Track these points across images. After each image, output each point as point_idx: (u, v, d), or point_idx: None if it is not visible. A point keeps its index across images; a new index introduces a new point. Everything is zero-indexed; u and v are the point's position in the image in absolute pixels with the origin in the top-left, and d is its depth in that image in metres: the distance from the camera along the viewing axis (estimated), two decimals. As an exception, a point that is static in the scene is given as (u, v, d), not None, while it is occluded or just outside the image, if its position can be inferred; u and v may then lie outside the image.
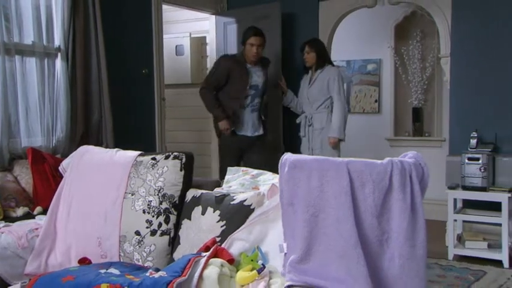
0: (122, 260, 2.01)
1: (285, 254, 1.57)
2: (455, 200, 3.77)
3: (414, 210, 1.43)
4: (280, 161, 1.58)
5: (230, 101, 3.78)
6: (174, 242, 2.03)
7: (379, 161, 1.48)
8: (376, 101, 5.32)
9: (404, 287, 1.41)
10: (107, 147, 3.59)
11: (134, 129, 4.10)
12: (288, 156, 1.57)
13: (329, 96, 3.96)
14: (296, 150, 4.15)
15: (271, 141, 4.17)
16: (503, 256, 3.46)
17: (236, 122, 3.80)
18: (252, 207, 1.89)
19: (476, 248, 3.61)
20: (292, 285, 1.47)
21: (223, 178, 2.83)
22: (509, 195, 3.49)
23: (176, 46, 5.12)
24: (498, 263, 3.46)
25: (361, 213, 1.43)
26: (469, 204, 3.84)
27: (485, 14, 3.78)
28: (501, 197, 3.47)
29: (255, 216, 1.85)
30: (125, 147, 2.52)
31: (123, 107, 3.98)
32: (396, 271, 1.42)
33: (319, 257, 1.46)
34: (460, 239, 3.75)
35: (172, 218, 2.05)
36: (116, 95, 3.84)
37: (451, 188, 3.70)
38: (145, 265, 1.97)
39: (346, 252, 1.41)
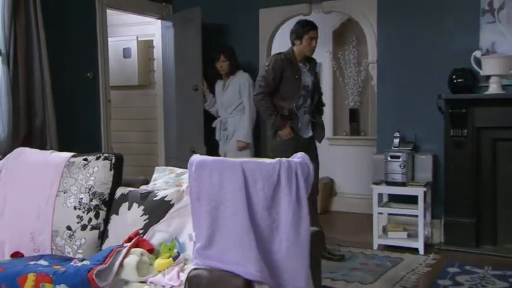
0: (53, 253, 2.18)
1: (194, 242, 1.81)
2: (381, 194, 4.14)
3: (299, 203, 1.70)
4: (189, 161, 1.81)
5: (284, 102, 3.53)
6: (103, 236, 2.22)
7: (269, 161, 1.74)
8: (316, 102, 5.63)
9: (291, 266, 1.68)
10: (50, 148, 3.71)
11: (80, 131, 4.22)
12: (195, 158, 1.80)
13: (241, 100, 4.23)
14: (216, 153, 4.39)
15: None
16: (419, 244, 3.84)
17: (296, 124, 3.57)
18: (172, 202, 2.11)
19: (397, 238, 3.98)
20: (197, 269, 1.71)
21: None
22: (425, 189, 3.88)
23: (123, 49, 5.25)
24: (415, 251, 3.84)
25: (254, 206, 1.68)
26: (393, 198, 4.21)
27: (407, 25, 4.14)
28: (417, 191, 3.85)
29: (174, 211, 2.07)
30: (70, 149, 2.67)
31: (68, 109, 4.09)
32: (284, 253, 1.69)
33: (220, 243, 1.70)
34: (384, 230, 4.12)
35: (102, 213, 2.24)
36: (60, 97, 3.95)
37: (375, 183, 4.05)
38: (76, 257, 2.16)
39: (240, 239, 1.66)
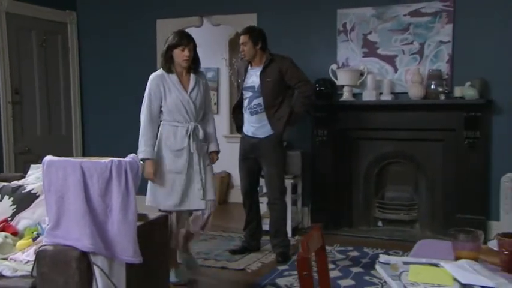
0: None
1: (48, 225, 2.26)
2: (261, 186, 4.74)
3: (127, 192, 2.21)
4: (42, 161, 2.26)
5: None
6: (-22, 224, 2.61)
7: (103, 160, 2.23)
8: (215, 103, 6.20)
9: (121, 241, 2.19)
10: None
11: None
12: (46, 158, 2.26)
13: (206, 104, 3.37)
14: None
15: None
16: (288, 228, 4.49)
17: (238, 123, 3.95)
18: (37, 194, 2.55)
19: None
20: (45, 245, 2.17)
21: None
22: (292, 181, 4.54)
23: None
24: (285, 234, 4.50)
25: (91, 195, 2.17)
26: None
27: (278, 38, 4.77)
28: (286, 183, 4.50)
29: (38, 201, 2.51)
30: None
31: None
32: (116, 230, 2.19)
33: (64, 224, 2.17)
34: (262, 218, 4.73)
35: (-22, 205, 2.62)
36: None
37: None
38: (-47, 242, 2.53)
39: (79, 221, 2.14)
